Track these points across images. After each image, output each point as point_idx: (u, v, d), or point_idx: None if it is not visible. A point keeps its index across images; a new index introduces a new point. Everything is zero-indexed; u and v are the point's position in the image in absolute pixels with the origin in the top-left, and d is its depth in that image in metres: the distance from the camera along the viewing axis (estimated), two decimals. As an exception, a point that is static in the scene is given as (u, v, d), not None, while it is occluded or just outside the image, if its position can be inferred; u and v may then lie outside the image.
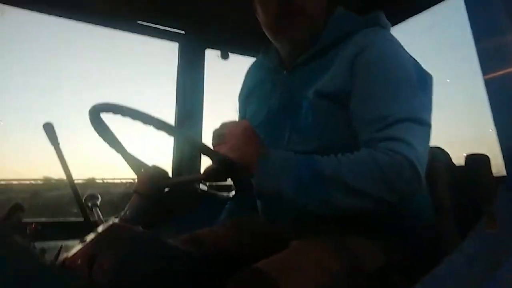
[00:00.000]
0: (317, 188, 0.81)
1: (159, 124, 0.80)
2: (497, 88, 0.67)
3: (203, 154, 0.85)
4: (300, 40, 1.05)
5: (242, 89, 1.31)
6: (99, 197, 1.14)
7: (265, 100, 1.13)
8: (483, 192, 1.14)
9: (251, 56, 2.00)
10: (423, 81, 0.94)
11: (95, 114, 0.82)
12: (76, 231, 0.90)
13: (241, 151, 0.85)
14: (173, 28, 1.84)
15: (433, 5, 1.61)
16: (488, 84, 0.67)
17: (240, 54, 2.01)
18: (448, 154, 1.19)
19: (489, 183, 1.15)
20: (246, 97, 1.25)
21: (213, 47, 1.92)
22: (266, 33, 1.11)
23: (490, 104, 0.67)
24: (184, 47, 1.86)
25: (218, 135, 0.90)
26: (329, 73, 0.97)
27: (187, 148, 1.77)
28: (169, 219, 1.37)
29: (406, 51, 0.98)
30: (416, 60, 0.98)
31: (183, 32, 1.84)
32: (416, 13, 1.70)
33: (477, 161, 1.17)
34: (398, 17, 1.67)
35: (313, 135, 0.96)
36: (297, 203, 0.83)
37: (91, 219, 1.07)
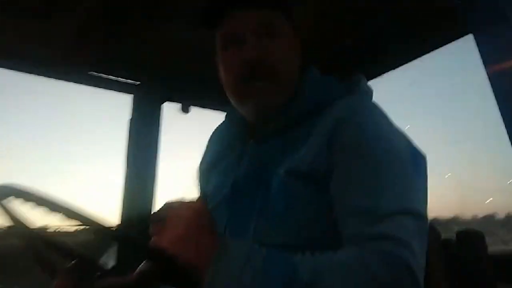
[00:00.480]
0: None
1: (69, 213, 0.60)
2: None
3: (134, 249, 0.65)
4: (270, 107, 0.90)
5: (203, 158, 1.11)
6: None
7: (229, 175, 0.94)
8: (478, 272, 1.06)
9: (215, 109, 1.86)
10: (417, 162, 0.79)
11: None
12: None
13: (189, 245, 0.63)
14: (127, 79, 1.67)
15: (409, 61, 1.53)
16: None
17: (203, 107, 1.85)
18: (439, 231, 1.07)
19: (484, 263, 1.05)
20: (207, 169, 1.06)
21: (172, 100, 1.75)
22: (230, 97, 0.95)
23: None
24: (139, 99, 1.68)
25: (159, 220, 0.68)
26: (305, 148, 0.82)
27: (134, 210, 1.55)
28: None
29: (394, 125, 0.83)
30: (406, 136, 0.83)
31: (138, 83, 1.67)
32: (391, 70, 1.62)
33: (470, 238, 1.05)
34: (371, 74, 1.59)
35: (285, 224, 0.78)
36: None
37: None
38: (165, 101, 1.73)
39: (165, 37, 1.49)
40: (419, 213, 0.71)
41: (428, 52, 1.43)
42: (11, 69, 1.50)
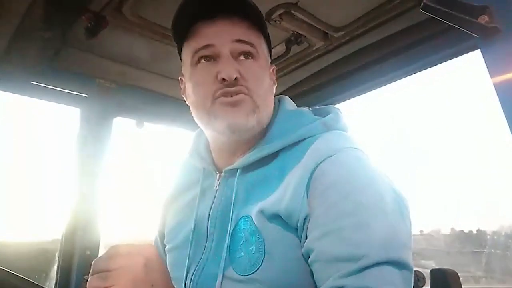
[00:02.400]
0: None
1: None
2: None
3: None
4: (242, 130, 0.81)
5: (166, 193, 1.03)
6: None
7: (192, 210, 0.88)
8: None
9: (168, 125, 1.80)
10: (401, 207, 0.72)
11: None
12: None
13: None
14: (75, 91, 1.56)
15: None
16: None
17: (156, 123, 1.78)
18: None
19: None
20: (169, 201, 0.99)
21: (123, 115, 1.67)
22: (199, 117, 0.86)
23: None
24: (87, 113, 1.58)
25: (101, 270, 0.60)
26: (281, 188, 0.75)
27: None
28: None
29: (377, 168, 0.77)
30: (389, 179, 0.76)
31: (85, 95, 1.57)
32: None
33: (444, 276, 1.04)
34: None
35: (258, 273, 0.72)
36: None
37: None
38: (116, 116, 1.65)
39: (113, 48, 1.42)
40: (404, 263, 0.65)
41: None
42: None
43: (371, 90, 1.54)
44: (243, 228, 0.76)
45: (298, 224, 0.71)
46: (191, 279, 0.81)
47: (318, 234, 0.68)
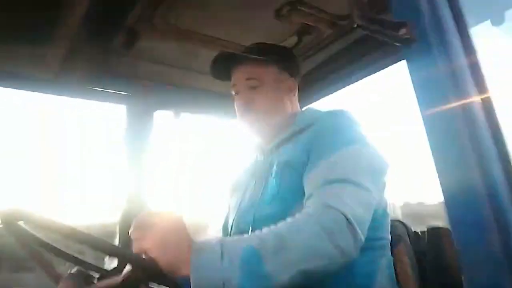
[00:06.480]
0: (263, 276, 0.75)
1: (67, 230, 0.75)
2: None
3: (116, 257, 0.77)
4: (263, 132, 1.28)
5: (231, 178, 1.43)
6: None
7: (245, 177, 1.32)
8: (445, 265, 1.17)
9: (202, 114, 2.03)
10: (374, 161, 1.04)
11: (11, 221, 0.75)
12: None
13: (168, 250, 0.75)
14: (121, 91, 1.82)
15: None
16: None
17: (191, 113, 2.01)
18: (409, 226, 1.22)
19: (451, 257, 1.17)
20: (232, 186, 1.39)
21: (163, 108, 1.91)
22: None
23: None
24: (131, 109, 1.84)
25: (141, 226, 0.79)
26: (295, 150, 1.13)
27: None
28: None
29: (362, 132, 1.09)
30: (373, 143, 1.07)
31: (130, 94, 1.83)
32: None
33: (439, 234, 1.20)
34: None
35: (278, 199, 1.09)
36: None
37: None
38: (156, 110, 1.90)
39: (151, 52, 1.65)
40: (360, 184, 0.93)
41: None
42: (16, 88, 1.67)
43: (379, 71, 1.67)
44: (273, 175, 1.14)
45: (302, 169, 1.06)
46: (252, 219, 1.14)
47: (307, 168, 1.04)
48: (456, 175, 0.62)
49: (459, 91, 0.64)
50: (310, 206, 0.91)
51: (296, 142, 1.16)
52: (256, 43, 1.34)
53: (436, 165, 0.64)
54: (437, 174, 0.64)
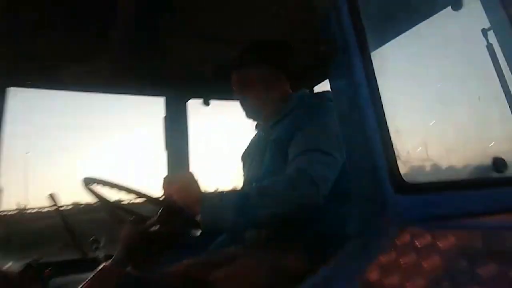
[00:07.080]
0: (247, 213, 1.12)
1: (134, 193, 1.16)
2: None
3: (165, 206, 1.15)
4: (259, 117, 1.60)
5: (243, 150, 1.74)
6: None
7: (250, 149, 1.66)
8: None
9: (229, 100, 2.32)
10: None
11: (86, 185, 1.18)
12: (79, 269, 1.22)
13: (184, 196, 1.14)
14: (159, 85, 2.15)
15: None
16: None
17: (220, 99, 2.32)
18: None
19: None
20: (244, 156, 1.68)
21: (195, 97, 2.24)
22: None
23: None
24: (168, 99, 2.19)
25: (168, 181, 1.20)
26: (285, 128, 1.41)
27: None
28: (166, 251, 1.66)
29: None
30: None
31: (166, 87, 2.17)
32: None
33: None
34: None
35: (271, 171, 1.36)
36: (236, 226, 1.14)
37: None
38: (190, 99, 2.23)
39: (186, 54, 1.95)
40: (327, 152, 1.21)
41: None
42: (75, 91, 2.05)
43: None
44: (269, 150, 1.42)
45: (287, 144, 1.33)
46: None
47: (291, 146, 1.31)
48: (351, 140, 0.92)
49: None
50: (288, 169, 1.23)
51: (286, 121, 1.44)
52: (250, 44, 1.56)
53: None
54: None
